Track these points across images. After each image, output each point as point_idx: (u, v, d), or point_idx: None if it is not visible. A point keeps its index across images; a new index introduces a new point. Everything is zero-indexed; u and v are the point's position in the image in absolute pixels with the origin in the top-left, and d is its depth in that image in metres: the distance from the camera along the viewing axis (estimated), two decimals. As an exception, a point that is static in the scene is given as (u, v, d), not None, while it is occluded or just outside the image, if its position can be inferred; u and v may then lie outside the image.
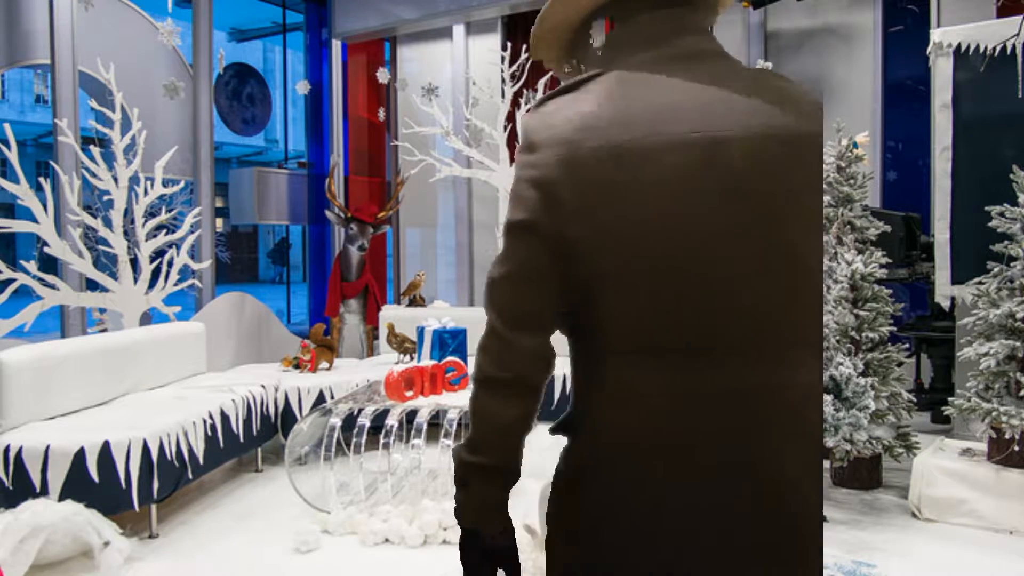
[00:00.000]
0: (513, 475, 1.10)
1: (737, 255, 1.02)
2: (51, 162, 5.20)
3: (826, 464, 4.43)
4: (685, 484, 1.00)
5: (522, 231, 1.06)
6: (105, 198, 5.01)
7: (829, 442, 3.86)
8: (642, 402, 1.01)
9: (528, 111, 1.13)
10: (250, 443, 4.40)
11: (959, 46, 4.35)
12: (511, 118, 6.63)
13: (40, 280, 4.44)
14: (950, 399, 3.80)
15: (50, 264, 4.87)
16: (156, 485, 3.47)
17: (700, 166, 1.01)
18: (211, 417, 3.96)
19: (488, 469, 1.08)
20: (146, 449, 3.42)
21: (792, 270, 1.05)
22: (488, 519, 1.09)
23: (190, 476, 3.77)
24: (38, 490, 3.25)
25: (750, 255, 1.02)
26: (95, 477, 3.28)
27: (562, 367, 1.16)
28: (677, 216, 1.01)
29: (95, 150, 4.77)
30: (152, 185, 5.02)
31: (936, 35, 4.45)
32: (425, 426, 3.80)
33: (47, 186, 4.50)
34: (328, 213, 6.72)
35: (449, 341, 4.50)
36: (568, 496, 1.06)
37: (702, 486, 1.00)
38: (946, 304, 4.49)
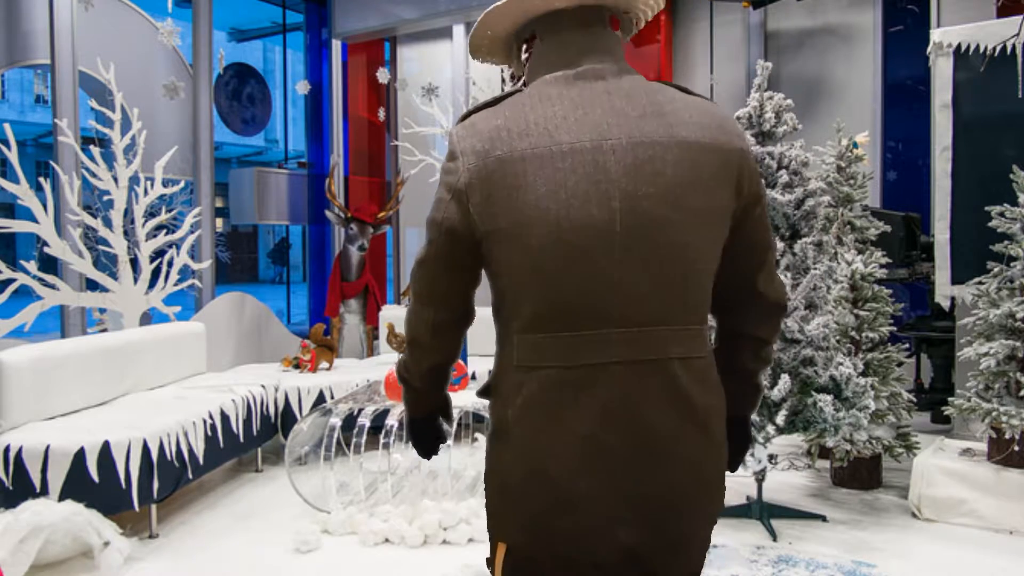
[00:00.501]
0: (436, 389, 1.49)
1: (616, 248, 1.19)
2: (51, 162, 5.20)
3: (826, 464, 4.44)
4: (578, 433, 1.21)
5: (434, 227, 1.28)
6: (105, 198, 5.01)
7: (829, 442, 3.86)
8: (541, 372, 1.23)
9: (456, 123, 1.32)
10: (250, 443, 4.40)
11: (959, 46, 4.35)
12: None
13: (40, 280, 4.44)
14: (950, 399, 3.80)
15: (50, 264, 4.87)
16: (156, 485, 3.47)
17: (585, 170, 1.19)
18: (211, 417, 3.96)
19: (419, 391, 1.49)
20: (146, 449, 3.42)
21: (667, 262, 1.22)
22: (413, 410, 1.53)
23: (190, 476, 3.77)
24: (38, 490, 3.25)
25: (627, 248, 1.19)
26: (95, 477, 3.28)
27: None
28: (565, 215, 1.19)
29: (95, 150, 4.77)
30: (152, 185, 5.02)
31: (936, 35, 4.45)
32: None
33: (47, 186, 4.50)
34: (328, 213, 6.72)
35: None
36: (495, 442, 1.32)
37: (592, 433, 1.21)
38: (946, 304, 4.49)
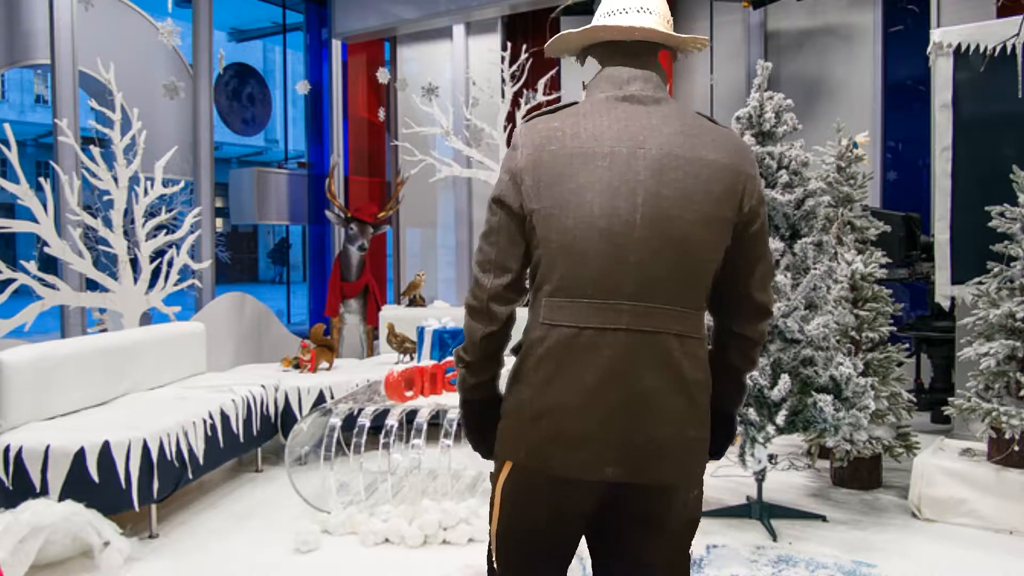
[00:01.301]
0: (487, 368, 1.63)
1: (633, 236, 1.46)
2: (51, 162, 5.21)
3: (826, 464, 4.44)
4: (582, 383, 1.47)
5: (495, 204, 1.56)
6: (105, 198, 5.01)
7: (829, 442, 3.86)
8: (559, 329, 1.49)
9: (522, 123, 1.62)
10: (250, 443, 4.40)
11: (959, 46, 4.35)
12: (511, 118, 6.63)
13: (40, 280, 4.44)
14: (950, 399, 3.80)
15: (50, 264, 4.87)
16: (156, 485, 3.47)
17: (619, 170, 1.47)
18: (211, 417, 3.96)
19: (470, 364, 1.62)
20: (146, 449, 3.42)
21: (675, 253, 1.48)
22: (470, 392, 1.65)
23: (190, 476, 3.77)
24: (38, 490, 3.25)
25: (642, 238, 1.46)
26: (95, 477, 3.28)
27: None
28: (600, 205, 1.46)
29: (95, 150, 4.77)
30: (152, 185, 5.02)
31: (936, 35, 4.45)
32: (425, 426, 3.80)
33: (47, 186, 4.50)
34: (328, 213, 6.72)
35: (449, 341, 4.50)
36: (516, 382, 1.56)
37: (594, 385, 1.46)
38: (946, 304, 4.49)
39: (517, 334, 1.61)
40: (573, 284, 1.47)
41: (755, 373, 3.29)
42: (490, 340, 1.58)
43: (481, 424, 1.66)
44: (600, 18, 1.62)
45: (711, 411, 1.59)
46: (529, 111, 6.55)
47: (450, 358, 4.24)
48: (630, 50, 1.60)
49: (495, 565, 1.65)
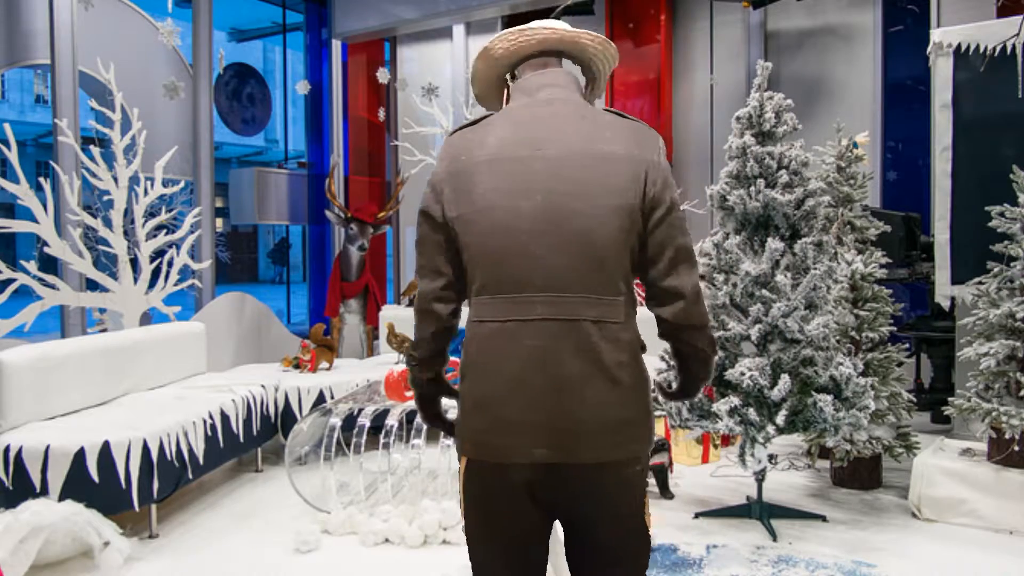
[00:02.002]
0: (431, 364, 1.76)
1: (540, 234, 1.56)
2: (51, 162, 5.20)
3: (826, 464, 4.44)
4: (507, 373, 1.58)
5: (421, 215, 1.71)
6: (105, 198, 5.01)
7: (829, 442, 3.86)
8: (485, 325, 1.61)
9: (447, 136, 1.74)
10: (250, 443, 4.40)
11: (959, 46, 4.35)
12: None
13: (40, 280, 4.44)
14: (950, 399, 3.80)
15: (50, 264, 4.87)
16: (156, 485, 3.47)
17: (520, 174, 1.59)
18: (211, 417, 3.96)
19: (421, 361, 1.75)
20: (146, 449, 3.42)
21: (580, 245, 1.57)
22: (422, 387, 1.79)
23: (190, 476, 3.77)
24: (38, 490, 3.25)
25: (544, 232, 1.56)
26: (95, 477, 3.28)
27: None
28: (505, 207, 1.58)
29: (95, 150, 4.77)
30: (152, 185, 5.02)
31: (936, 35, 4.45)
32: (425, 426, 3.79)
33: (47, 186, 4.50)
34: (328, 213, 6.72)
35: (449, 341, 4.50)
36: (461, 379, 1.68)
37: (518, 374, 1.57)
38: (946, 304, 4.49)
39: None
40: (492, 282, 1.59)
41: (755, 373, 3.29)
42: (435, 338, 1.72)
43: (436, 411, 1.83)
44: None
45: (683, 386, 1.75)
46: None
47: (450, 358, 4.23)
48: (537, 61, 1.75)
49: (470, 557, 1.78)
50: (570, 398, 1.55)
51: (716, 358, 1.78)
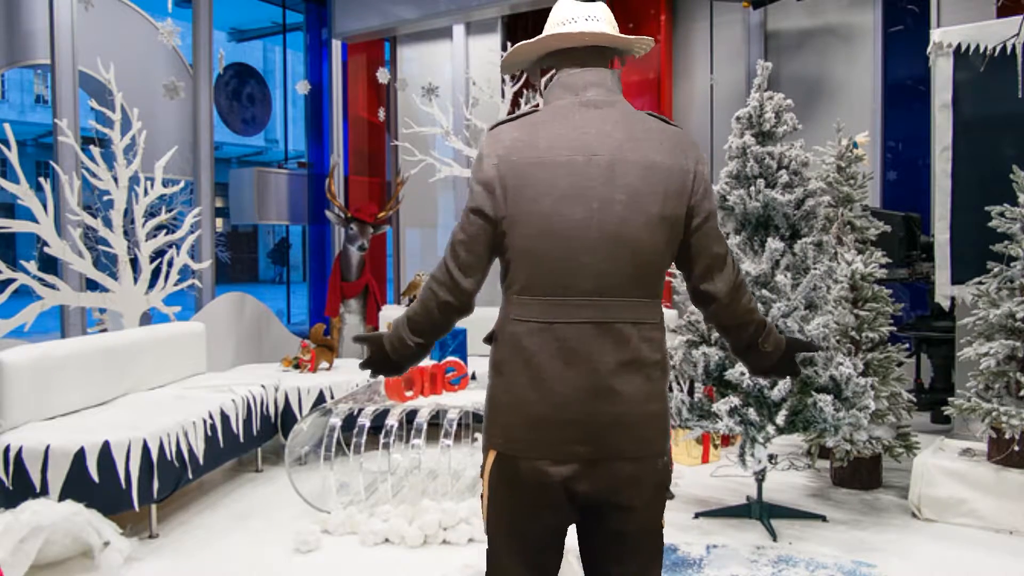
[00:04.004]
0: (422, 332, 1.75)
1: (591, 241, 1.60)
2: (51, 162, 5.20)
3: (826, 464, 4.44)
4: (546, 372, 1.61)
5: (474, 214, 1.65)
6: (105, 198, 5.01)
7: (829, 442, 3.86)
8: (526, 324, 1.64)
9: (487, 132, 1.71)
10: (250, 443, 4.40)
11: (959, 46, 4.35)
12: (511, 118, 6.61)
13: (40, 280, 4.44)
14: (950, 399, 3.80)
15: (50, 264, 4.87)
16: (156, 485, 3.47)
17: (573, 178, 1.60)
18: (211, 417, 3.96)
19: (419, 346, 1.76)
20: (146, 449, 3.42)
21: (629, 252, 1.61)
22: (403, 349, 1.77)
23: (190, 476, 3.77)
24: (38, 490, 3.25)
25: (597, 239, 1.60)
26: (95, 477, 3.28)
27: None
28: (560, 213, 1.59)
29: (95, 150, 4.77)
30: (152, 185, 5.02)
31: (936, 35, 4.45)
32: (425, 426, 3.80)
33: (47, 186, 4.50)
34: (328, 213, 6.72)
35: (449, 341, 4.49)
36: (494, 375, 1.70)
37: (557, 374, 1.61)
38: (946, 304, 4.49)
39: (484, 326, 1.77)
40: (537, 284, 1.62)
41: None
42: (443, 310, 1.71)
43: (388, 372, 1.83)
44: (550, 28, 1.74)
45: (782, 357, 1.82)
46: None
47: (450, 358, 4.24)
48: (582, 56, 1.72)
49: (488, 553, 1.74)
50: (610, 395, 1.61)
51: (767, 325, 1.83)
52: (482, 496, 1.73)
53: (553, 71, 1.76)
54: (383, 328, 5.83)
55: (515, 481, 1.65)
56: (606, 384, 1.61)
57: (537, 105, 1.73)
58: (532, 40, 1.74)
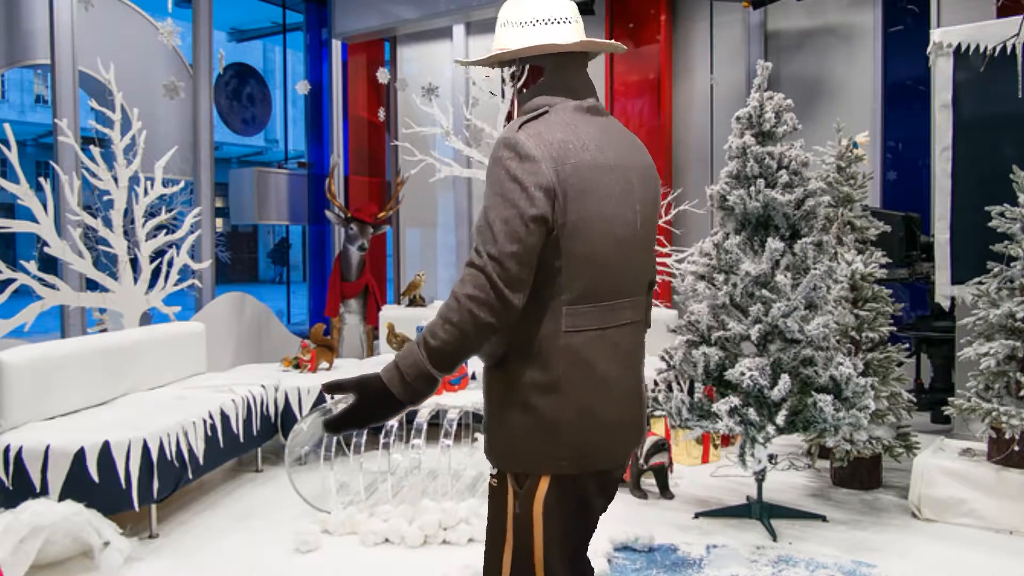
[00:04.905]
0: (459, 364, 1.54)
1: (633, 243, 1.64)
2: (51, 162, 5.20)
3: (826, 464, 4.44)
4: (608, 377, 1.61)
5: (535, 223, 1.48)
6: (105, 198, 5.01)
7: (829, 442, 3.86)
8: (584, 334, 1.57)
9: (518, 130, 1.56)
10: (250, 443, 4.40)
11: (959, 46, 4.35)
12: (511, 118, 6.62)
13: (40, 280, 4.44)
14: (950, 399, 3.80)
15: (50, 264, 4.87)
16: (156, 485, 3.47)
17: (622, 183, 1.61)
18: (211, 417, 3.96)
19: (434, 381, 1.52)
20: (146, 449, 3.42)
21: (650, 250, 1.74)
22: (428, 388, 1.53)
23: (190, 476, 3.77)
24: (38, 490, 3.25)
25: (640, 239, 1.66)
26: (95, 477, 3.28)
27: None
28: (617, 216, 1.59)
29: (95, 150, 4.77)
30: (152, 185, 5.02)
31: (936, 35, 4.45)
32: (425, 426, 3.80)
33: (47, 186, 4.50)
34: (328, 213, 6.72)
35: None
36: (542, 395, 1.56)
37: (616, 376, 1.62)
38: (946, 304, 4.49)
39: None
40: (592, 291, 1.57)
41: (755, 373, 3.29)
42: (487, 332, 1.50)
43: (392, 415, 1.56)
44: (537, 27, 1.65)
45: None
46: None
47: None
48: (579, 60, 1.71)
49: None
50: (643, 392, 1.74)
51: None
52: (516, 525, 1.59)
53: (524, 68, 1.70)
54: (382, 328, 5.85)
55: (579, 498, 1.61)
56: (642, 382, 1.72)
57: (544, 106, 1.64)
58: (528, 45, 1.65)
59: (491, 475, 1.67)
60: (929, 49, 4.47)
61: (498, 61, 1.76)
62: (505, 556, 1.62)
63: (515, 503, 1.60)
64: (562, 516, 1.60)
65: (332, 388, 1.51)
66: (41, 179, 4.66)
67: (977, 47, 4.29)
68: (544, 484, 1.58)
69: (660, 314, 5.58)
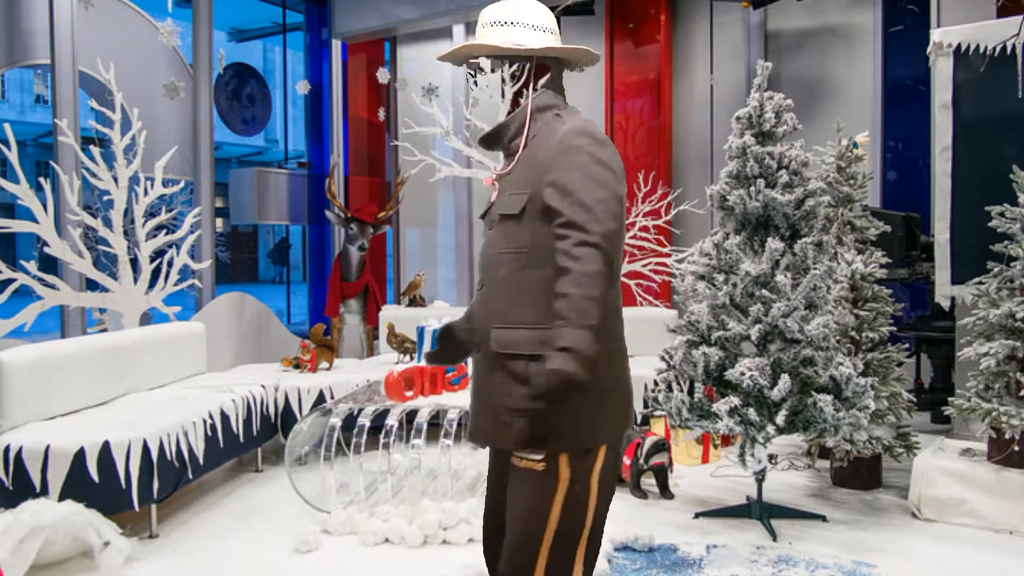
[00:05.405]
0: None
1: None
2: (51, 162, 5.20)
3: (826, 464, 4.44)
4: (624, 346, 1.81)
5: (623, 202, 1.67)
6: (105, 198, 5.01)
7: (829, 442, 3.86)
8: (618, 313, 1.78)
9: (604, 137, 1.70)
10: (250, 443, 4.40)
11: (959, 46, 4.35)
12: (511, 118, 6.61)
13: (40, 280, 4.43)
14: (950, 399, 3.80)
15: (50, 264, 4.87)
16: (156, 485, 3.47)
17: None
18: (211, 417, 3.96)
19: (596, 328, 1.58)
20: (146, 449, 3.42)
21: None
22: (592, 364, 1.57)
23: (190, 476, 3.77)
24: (38, 490, 3.25)
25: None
26: (95, 477, 3.28)
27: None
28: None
29: (95, 150, 4.76)
30: (152, 185, 5.02)
31: (936, 35, 4.45)
32: (425, 426, 3.80)
33: (47, 186, 4.50)
34: (328, 213, 6.72)
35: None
36: (605, 370, 1.67)
37: (626, 349, 1.83)
38: (946, 304, 4.49)
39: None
40: (619, 273, 1.75)
41: (755, 373, 3.29)
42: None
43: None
44: (546, 33, 1.86)
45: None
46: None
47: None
48: (565, 65, 1.93)
49: (580, 553, 1.71)
50: None
51: None
52: (576, 495, 1.66)
53: (525, 68, 1.89)
54: (382, 328, 5.84)
55: (616, 463, 1.82)
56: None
57: (556, 104, 1.85)
58: (559, 46, 1.85)
59: (533, 460, 1.64)
60: (929, 49, 4.47)
61: (500, 56, 1.94)
62: (545, 541, 1.65)
63: (570, 482, 1.65)
64: (611, 482, 1.79)
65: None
66: (41, 179, 4.65)
67: (977, 47, 4.29)
68: (602, 454, 1.71)
69: (660, 314, 5.58)
